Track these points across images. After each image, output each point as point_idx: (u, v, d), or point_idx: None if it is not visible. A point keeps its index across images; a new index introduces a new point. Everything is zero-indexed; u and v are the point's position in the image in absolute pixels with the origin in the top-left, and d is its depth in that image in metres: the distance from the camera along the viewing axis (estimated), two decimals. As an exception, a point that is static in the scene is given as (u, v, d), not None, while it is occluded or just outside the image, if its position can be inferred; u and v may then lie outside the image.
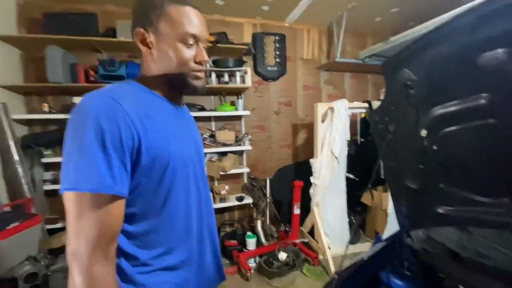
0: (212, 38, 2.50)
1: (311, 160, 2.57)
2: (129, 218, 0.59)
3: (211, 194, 0.85)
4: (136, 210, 0.60)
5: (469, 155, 0.82)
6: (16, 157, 2.03)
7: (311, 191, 2.55)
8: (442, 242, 1.06)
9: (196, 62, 0.65)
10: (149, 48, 0.63)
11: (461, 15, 0.58)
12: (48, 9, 2.34)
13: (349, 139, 2.57)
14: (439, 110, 0.78)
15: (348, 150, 2.65)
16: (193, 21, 0.63)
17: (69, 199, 0.50)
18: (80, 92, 2.38)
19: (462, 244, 1.04)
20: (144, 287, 0.60)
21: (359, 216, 2.95)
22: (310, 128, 3.20)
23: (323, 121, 2.54)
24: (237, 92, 2.83)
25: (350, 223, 2.74)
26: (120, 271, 0.58)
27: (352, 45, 3.30)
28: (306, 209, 2.68)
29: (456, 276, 0.93)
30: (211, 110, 2.71)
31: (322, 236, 2.41)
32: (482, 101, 0.70)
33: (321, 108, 2.48)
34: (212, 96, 2.86)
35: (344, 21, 2.83)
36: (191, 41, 0.63)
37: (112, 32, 2.34)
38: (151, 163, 0.58)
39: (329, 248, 2.40)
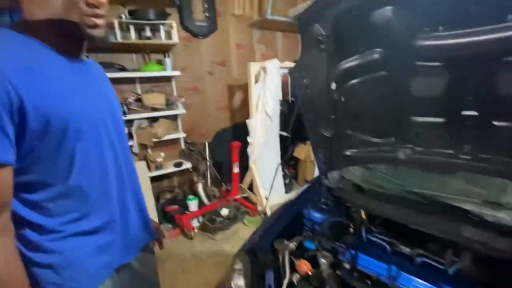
0: (125, -17, 2.12)
1: (247, 121, 2.63)
2: (28, 186, 0.55)
3: (133, 156, 0.79)
4: (35, 177, 0.55)
5: (367, 104, 0.96)
6: None
7: (248, 150, 2.66)
8: (351, 180, 1.27)
9: (89, 5, 0.54)
10: None
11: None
12: None
13: (281, 98, 2.70)
14: (344, 65, 0.87)
15: (281, 109, 2.79)
16: None
17: None
18: None
19: (365, 179, 1.26)
20: (59, 254, 0.59)
21: (292, 168, 3.27)
22: (246, 89, 3.20)
23: (256, 82, 2.57)
24: (164, 49, 2.57)
25: (284, 176, 3.02)
26: (25, 242, 0.57)
27: (283, 3, 3.26)
28: (246, 167, 2.82)
29: (359, 204, 1.15)
30: (134, 70, 2.42)
31: (259, 190, 2.61)
32: (376, 56, 0.80)
33: (254, 68, 2.48)
34: (133, 54, 2.53)
35: (273, -26, 2.73)
36: None
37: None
38: (45, 124, 0.51)
39: (266, 198, 2.63)
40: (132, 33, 2.26)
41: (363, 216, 1.15)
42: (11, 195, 0.53)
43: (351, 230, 1.03)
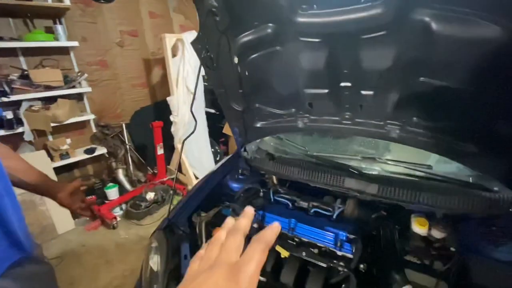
0: None
1: (168, 98, 2.48)
2: None
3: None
4: None
5: (269, 78, 1.02)
6: None
7: (172, 129, 2.54)
8: (265, 149, 1.37)
9: None
10: None
11: None
12: None
13: (204, 74, 2.60)
14: (242, 39, 0.89)
15: (206, 85, 2.72)
16: None
17: None
18: None
19: (276, 148, 1.38)
20: None
21: (223, 145, 3.31)
22: (164, 62, 2.97)
23: (174, 56, 2.40)
24: (53, 14, 2.11)
25: (215, 153, 3.04)
26: None
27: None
28: (171, 148, 2.70)
29: (270, 170, 1.26)
30: (13, 39, 1.94)
31: (188, 169, 2.57)
32: (269, 30, 0.84)
33: (169, 40, 2.30)
34: (10, 19, 2.00)
35: None
36: None
37: None
38: None
39: (196, 177, 2.62)
40: (0, -11, 1.76)
41: (275, 181, 1.27)
42: None
43: (261, 194, 1.13)
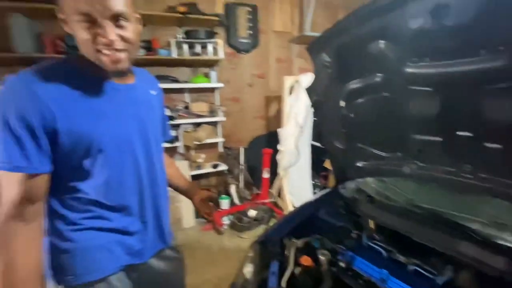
0: (182, 9, 2.52)
1: (279, 130, 2.80)
2: (58, 186, 0.66)
3: (165, 175, 0.88)
4: (64, 181, 0.66)
5: (374, 120, 1.06)
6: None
7: (278, 157, 2.82)
8: (365, 191, 1.35)
9: (99, 42, 0.57)
10: (66, 26, 0.60)
11: (350, 14, 0.76)
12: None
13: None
14: (350, 86, 0.99)
15: (315, 120, 2.89)
16: None
17: None
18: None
19: (378, 191, 1.33)
20: (76, 242, 0.69)
21: (323, 179, 3.31)
22: (281, 100, 3.39)
23: (291, 94, 2.73)
24: (210, 64, 2.92)
25: (315, 185, 3.09)
26: (54, 229, 0.69)
27: (323, 18, 3.39)
28: (276, 174, 2.97)
29: (368, 214, 1.22)
30: (184, 82, 2.81)
31: (286, 196, 2.74)
32: (377, 79, 0.91)
33: (288, 81, 2.65)
34: (185, 68, 2.93)
35: (314, -6, 2.90)
36: (85, 20, 0.55)
37: (78, 1, 2.30)
38: (73, 144, 0.61)
39: (293, 206, 2.74)
40: (185, 50, 2.64)
41: (372, 225, 1.22)
42: (43, 193, 0.63)
43: (353, 235, 1.12)
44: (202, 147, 3.00)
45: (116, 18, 0.57)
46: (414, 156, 1.01)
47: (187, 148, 2.92)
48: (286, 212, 2.74)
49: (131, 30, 0.61)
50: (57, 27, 2.44)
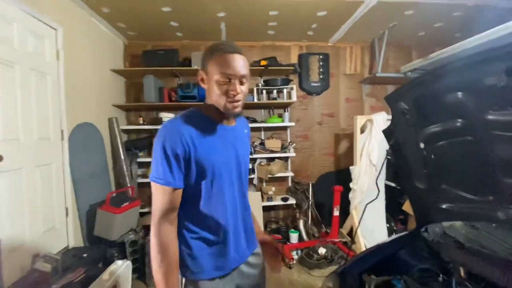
0: (264, 63, 3.01)
1: (351, 167, 2.82)
2: (186, 202, 0.88)
3: (252, 187, 1.10)
4: (186, 198, 0.87)
5: (459, 163, 1.08)
6: (122, 156, 2.81)
7: (350, 195, 2.80)
8: (453, 236, 1.29)
9: (230, 94, 0.81)
10: (203, 84, 0.87)
11: (426, 73, 0.90)
12: (144, 47, 3.16)
13: (388, 148, 2.75)
14: (430, 130, 1.07)
15: (390, 158, 2.82)
16: (228, 64, 0.79)
17: (152, 185, 0.83)
18: (164, 108, 3.13)
19: (468, 237, 1.25)
20: (190, 246, 0.90)
21: (400, 223, 3.05)
22: (351, 137, 3.43)
23: (362, 132, 2.79)
24: (284, 106, 3.26)
25: (391, 229, 2.88)
26: (181, 234, 0.90)
27: (395, 59, 3.45)
28: (345, 212, 2.92)
29: (458, 260, 1.17)
30: (261, 121, 3.20)
31: (359, 237, 2.63)
32: (458, 124, 0.98)
33: (360, 120, 2.73)
34: (262, 110, 3.36)
35: (385, 38, 3.04)
36: (226, 79, 0.80)
37: (188, 62, 3.03)
38: (197, 168, 0.84)
39: (366, 248, 2.60)
40: (264, 96, 3.07)
41: (462, 273, 1.15)
42: (178, 205, 0.85)
43: (440, 279, 1.09)
44: (273, 180, 3.23)
45: (241, 79, 0.83)
46: (509, 200, 0.98)
47: (261, 180, 3.19)
48: (358, 254, 2.62)
49: (246, 86, 0.87)
50: (172, 83, 3.26)
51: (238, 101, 0.83)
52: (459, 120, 0.97)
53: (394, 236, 1.48)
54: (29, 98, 1.79)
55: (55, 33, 2.05)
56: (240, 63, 0.81)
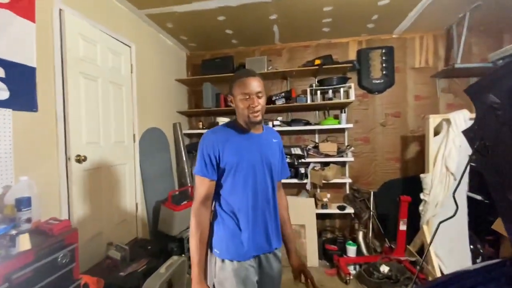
0: (318, 62, 2.87)
1: (422, 175, 2.44)
2: (216, 194, 1.13)
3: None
4: (217, 190, 1.12)
5: None
6: (184, 158, 3.04)
7: (420, 208, 2.41)
8: None
9: (250, 107, 1.04)
10: (233, 104, 1.11)
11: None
12: (203, 56, 3.39)
13: (470, 154, 2.28)
14: (535, 129, 0.81)
15: (474, 166, 2.33)
16: (246, 85, 1.03)
17: (195, 177, 1.09)
18: (221, 113, 3.28)
19: None
20: (219, 229, 1.11)
21: (489, 246, 2.48)
22: (422, 140, 2.98)
23: (436, 134, 2.38)
24: (341, 106, 3.04)
25: (476, 252, 2.37)
26: (214, 218, 1.14)
27: (480, 46, 2.86)
28: (414, 227, 2.53)
29: None
30: (315, 124, 3.05)
31: (433, 258, 2.24)
32: None
33: (433, 120, 2.34)
34: (316, 111, 3.20)
35: (466, 22, 2.54)
36: (246, 96, 1.04)
37: (243, 67, 3.11)
38: (225, 166, 1.07)
39: (442, 273, 2.19)
40: (318, 96, 2.92)
41: None
42: (212, 194, 1.10)
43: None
44: (328, 186, 3.03)
45: (257, 94, 1.05)
46: None
47: (314, 185, 3.03)
48: (430, 278, 2.23)
49: (263, 100, 1.08)
50: (227, 89, 3.40)
51: (258, 111, 1.06)
52: None
53: (481, 264, 1.19)
54: (108, 107, 2.10)
55: (129, 49, 2.37)
56: (255, 84, 1.05)
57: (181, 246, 2.43)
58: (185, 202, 2.49)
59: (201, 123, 3.25)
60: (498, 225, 2.31)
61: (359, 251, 2.69)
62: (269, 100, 3.01)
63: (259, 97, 1.06)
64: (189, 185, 2.96)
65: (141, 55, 2.52)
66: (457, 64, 2.59)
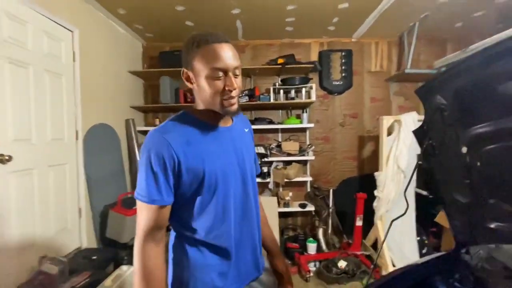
0: (281, 61, 2.86)
1: (376, 173, 2.57)
2: (180, 213, 0.79)
3: (258, 199, 0.92)
4: (178, 215, 0.79)
5: (514, 172, 0.86)
6: (138, 157, 2.80)
7: (374, 204, 2.54)
8: (503, 262, 1.05)
9: (226, 90, 0.72)
10: (191, 84, 0.76)
11: (474, 54, 0.70)
12: (162, 48, 3.16)
13: (419, 152, 2.47)
14: (476, 130, 0.86)
15: (421, 163, 2.52)
16: (219, 56, 0.70)
17: (137, 201, 0.74)
18: (180, 109, 3.09)
19: (524, 264, 1.01)
20: (183, 267, 0.81)
21: (433, 237, 2.72)
22: (377, 140, 3.15)
23: (389, 134, 2.53)
24: (303, 106, 3.08)
25: (422, 243, 2.57)
26: (176, 252, 0.83)
27: (427, 54, 3.12)
28: (370, 223, 2.66)
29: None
30: (278, 123, 3.04)
31: (385, 251, 2.37)
32: (514, 123, 0.77)
33: (386, 121, 2.48)
34: (280, 111, 3.20)
35: (416, 31, 2.75)
36: (219, 74, 0.71)
37: (203, 62, 2.97)
38: (191, 178, 0.73)
39: (394, 265, 2.33)
40: (281, 96, 2.92)
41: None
42: (166, 222, 0.76)
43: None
44: (290, 184, 3.05)
45: (234, 71, 0.73)
46: None
47: (277, 184, 3.03)
48: (384, 272, 2.36)
49: (240, 80, 0.76)
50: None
51: (234, 96, 0.74)
52: (517, 118, 0.76)
53: (428, 257, 1.26)
54: (43, 98, 1.81)
55: (71, 35, 2.08)
56: (231, 54, 0.72)
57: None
58: (138, 206, 2.28)
59: (158, 119, 3.03)
60: (441, 218, 2.53)
61: (319, 248, 2.75)
62: (232, 98, 2.92)
63: (236, 76, 0.74)
64: (144, 186, 2.73)
65: (87, 42, 2.24)
66: (407, 70, 2.79)
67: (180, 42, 3.17)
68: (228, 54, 0.71)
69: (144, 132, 3.15)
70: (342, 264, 2.39)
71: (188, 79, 0.77)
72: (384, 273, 2.38)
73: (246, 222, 0.86)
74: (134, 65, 3.05)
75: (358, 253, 2.58)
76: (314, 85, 2.93)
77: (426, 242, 2.63)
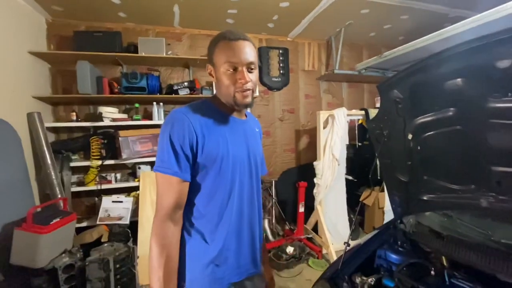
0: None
1: (315, 163, 2.81)
2: (192, 196, 0.81)
3: (257, 195, 0.94)
4: (196, 190, 0.81)
5: (444, 152, 1.07)
6: (49, 161, 2.24)
7: (314, 191, 2.79)
8: (428, 225, 1.30)
9: (239, 83, 0.77)
10: (213, 77, 0.83)
11: (430, 56, 0.84)
12: (76, 27, 2.60)
13: (348, 143, 2.84)
14: (420, 120, 1.03)
15: (347, 153, 2.91)
16: (233, 51, 0.76)
17: (157, 177, 0.76)
18: (104, 102, 2.62)
19: (444, 226, 1.28)
20: (186, 253, 0.82)
21: (359, 214, 3.20)
22: (311, 133, 3.47)
23: (324, 127, 2.80)
24: (245, 101, 3.08)
25: (350, 221, 2.98)
26: (185, 235, 0.83)
27: (348, 58, 3.60)
28: (308, 208, 2.91)
29: (441, 250, 1.17)
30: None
31: (325, 232, 2.64)
32: (450, 113, 0.95)
33: (322, 115, 2.74)
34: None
35: (342, 36, 3.12)
36: (233, 68, 0.77)
37: (133, 48, 2.60)
38: (204, 160, 0.78)
39: (332, 243, 2.63)
40: (224, 89, 2.83)
41: (445, 262, 1.16)
42: (185, 201, 0.79)
43: (432, 272, 1.06)
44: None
45: (249, 66, 0.78)
46: (492, 188, 0.99)
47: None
48: (325, 250, 2.62)
49: (256, 74, 0.82)
50: (113, 72, 2.75)
51: (248, 90, 0.79)
52: (451, 109, 0.94)
53: (372, 233, 1.45)
54: None
55: None
56: (246, 50, 0.77)
57: (54, 279, 1.79)
58: (56, 220, 1.83)
59: (74, 114, 2.47)
60: (364, 198, 2.98)
61: (266, 238, 2.84)
62: (171, 90, 2.67)
63: (250, 71, 0.79)
64: (59, 197, 2.21)
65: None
66: (336, 70, 3.14)
67: (101, 22, 2.68)
68: (242, 50, 0.76)
69: (55, 129, 2.55)
70: (290, 249, 2.54)
71: (211, 73, 0.83)
72: (324, 251, 2.65)
73: (248, 214, 0.88)
74: (36, 44, 2.41)
75: (302, 237, 2.79)
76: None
77: (353, 219, 3.07)
